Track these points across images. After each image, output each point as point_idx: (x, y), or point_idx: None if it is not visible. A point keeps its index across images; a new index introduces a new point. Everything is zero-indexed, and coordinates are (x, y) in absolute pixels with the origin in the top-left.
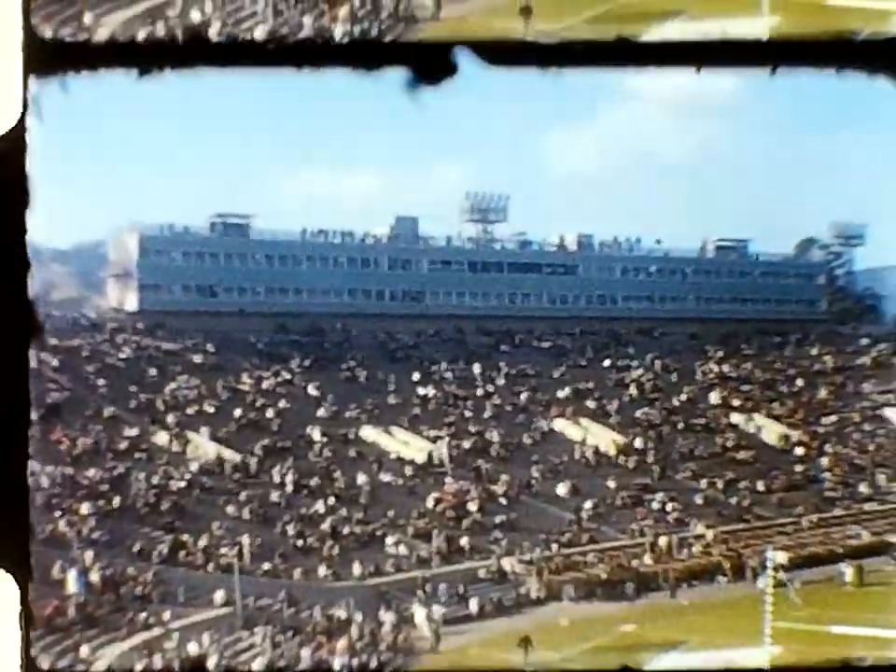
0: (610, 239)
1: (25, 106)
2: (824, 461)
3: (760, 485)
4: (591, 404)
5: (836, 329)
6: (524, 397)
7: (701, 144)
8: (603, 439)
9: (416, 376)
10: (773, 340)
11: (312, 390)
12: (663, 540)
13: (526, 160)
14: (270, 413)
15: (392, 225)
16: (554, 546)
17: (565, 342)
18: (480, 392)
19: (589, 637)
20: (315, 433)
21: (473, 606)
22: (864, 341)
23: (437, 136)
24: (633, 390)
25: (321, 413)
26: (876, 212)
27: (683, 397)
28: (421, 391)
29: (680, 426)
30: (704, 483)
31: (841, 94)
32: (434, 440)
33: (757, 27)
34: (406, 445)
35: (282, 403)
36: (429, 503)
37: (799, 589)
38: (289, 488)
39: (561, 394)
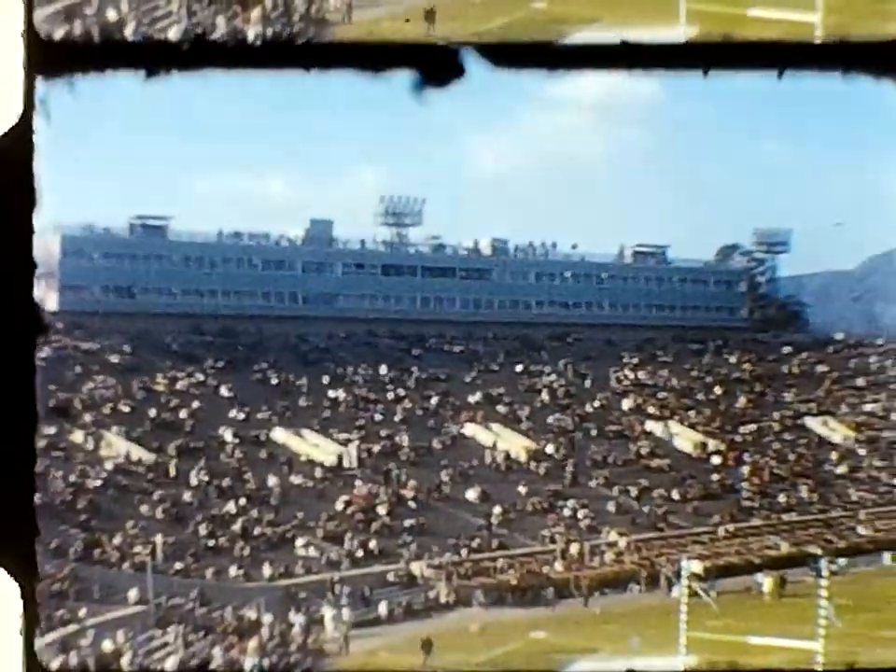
0: (526, 244)
1: (28, 106)
2: (742, 470)
3: (675, 494)
4: (502, 409)
5: (757, 337)
6: (434, 401)
7: (622, 148)
8: (514, 444)
9: (327, 379)
10: (690, 347)
11: (224, 391)
12: (574, 548)
13: (445, 164)
14: (183, 414)
15: (307, 228)
16: (464, 551)
17: (477, 346)
18: (390, 396)
19: (499, 642)
20: (228, 434)
21: (383, 609)
22: (786, 349)
23: (354, 139)
24: (545, 396)
25: (233, 414)
26: (802, 218)
27: (597, 403)
28: (332, 394)
29: (593, 432)
30: (616, 490)
31: (766, 99)
32: (344, 442)
33: (674, 37)
34: (316, 448)
35: (195, 404)
36: (339, 506)
37: (716, 599)
38: (202, 489)
39: (472, 399)
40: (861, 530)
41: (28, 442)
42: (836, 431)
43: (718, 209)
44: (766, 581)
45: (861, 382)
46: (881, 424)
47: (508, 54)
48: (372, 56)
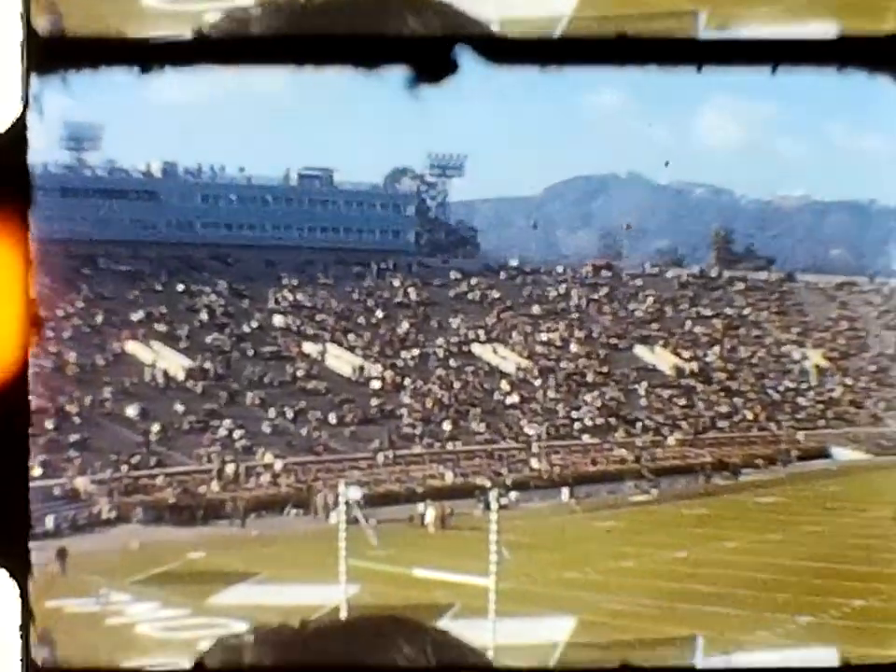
0: (195, 167)
1: (25, 103)
2: (403, 396)
3: (332, 417)
4: (162, 328)
5: (424, 262)
6: (100, 318)
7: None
8: (172, 362)
9: None
10: (353, 270)
11: None
12: (230, 468)
13: (128, 91)
14: None
15: None
16: (124, 467)
17: (142, 266)
18: (61, 313)
19: (159, 562)
20: None
21: (49, 523)
22: (455, 274)
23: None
24: (204, 315)
25: None
26: (479, 143)
27: (254, 324)
28: None
29: (250, 353)
30: (273, 411)
31: None
32: None
33: None
34: None
35: None
36: None
37: (376, 527)
38: None
39: (135, 317)
40: (534, 463)
41: (22, 437)
42: (508, 360)
43: (392, 132)
44: (429, 511)
45: (536, 310)
46: (558, 354)
47: (503, 49)
48: (365, 51)
